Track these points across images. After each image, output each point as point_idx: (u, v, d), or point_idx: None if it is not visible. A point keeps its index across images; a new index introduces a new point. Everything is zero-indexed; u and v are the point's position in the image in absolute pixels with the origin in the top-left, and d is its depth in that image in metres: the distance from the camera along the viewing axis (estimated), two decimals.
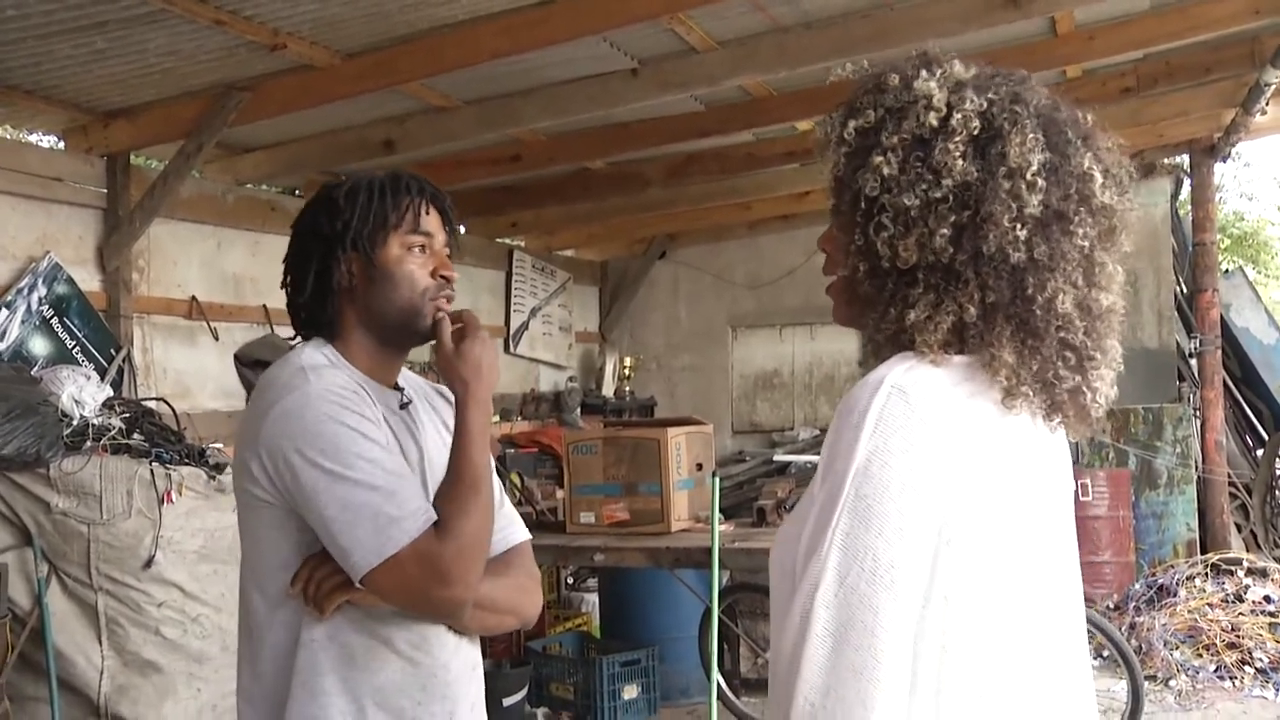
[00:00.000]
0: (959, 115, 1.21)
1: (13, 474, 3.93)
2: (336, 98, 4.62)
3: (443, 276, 1.77)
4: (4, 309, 4.46)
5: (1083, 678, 1.28)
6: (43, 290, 4.60)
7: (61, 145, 5.10)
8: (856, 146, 1.25)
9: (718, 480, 4.40)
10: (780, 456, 7.48)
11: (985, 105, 1.21)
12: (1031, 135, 1.20)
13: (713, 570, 4.25)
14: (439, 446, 1.78)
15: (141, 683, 3.94)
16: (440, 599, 1.59)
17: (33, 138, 5.19)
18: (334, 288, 1.75)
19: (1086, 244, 1.21)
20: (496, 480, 1.85)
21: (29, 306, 4.54)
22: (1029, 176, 1.19)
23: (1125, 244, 1.27)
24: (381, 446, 1.62)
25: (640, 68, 4.97)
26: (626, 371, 8.85)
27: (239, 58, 4.33)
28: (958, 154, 1.19)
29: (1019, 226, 1.18)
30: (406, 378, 1.86)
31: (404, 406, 1.79)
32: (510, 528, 1.85)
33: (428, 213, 1.78)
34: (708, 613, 4.62)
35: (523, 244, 8.48)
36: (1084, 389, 1.22)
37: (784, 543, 1.24)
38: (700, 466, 4.80)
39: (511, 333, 8.11)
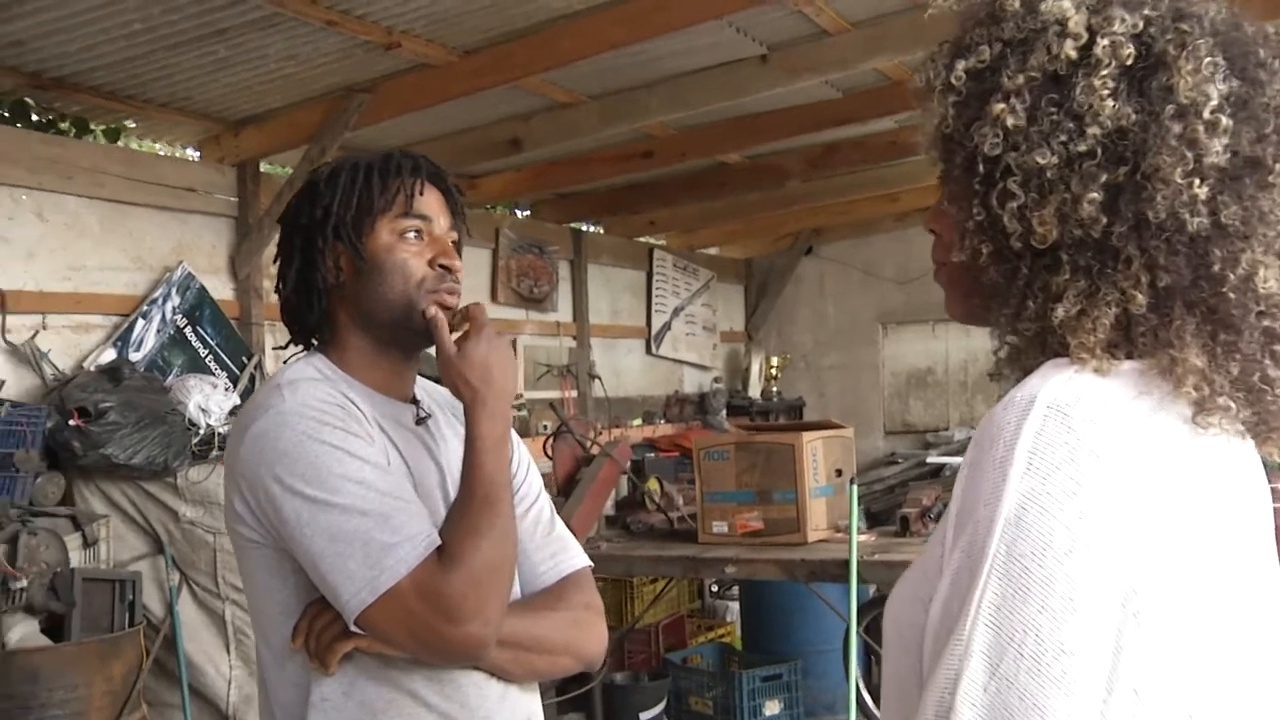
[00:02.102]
0: (1105, 41, 0.93)
1: (144, 483, 4.01)
2: (455, 95, 4.55)
3: (442, 266, 1.53)
4: (140, 319, 4.54)
5: None
6: (176, 300, 4.66)
7: (197, 156, 5.18)
8: (969, 93, 0.99)
9: (855, 488, 4.14)
10: (935, 458, 7.21)
11: (1140, 25, 0.94)
12: (1208, 60, 0.92)
13: (850, 584, 3.99)
14: None
15: None
16: (452, 638, 1.35)
17: (170, 150, 5.27)
18: (320, 284, 1.53)
19: None
20: (549, 501, 1.68)
21: (164, 316, 4.61)
22: (1208, 114, 0.91)
23: None
24: (373, 466, 1.40)
25: (769, 54, 4.75)
26: (773, 371, 8.66)
27: (356, 59, 4.31)
28: (1106, 92, 0.92)
29: (1197, 182, 0.90)
30: (427, 389, 1.66)
31: (421, 421, 1.59)
32: (564, 554, 1.64)
33: (422, 193, 1.54)
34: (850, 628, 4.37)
35: (664, 242, 8.36)
36: None
37: (904, 604, 0.99)
38: (840, 473, 4.54)
39: (653, 334, 8.01)
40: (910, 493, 4.68)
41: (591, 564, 1.67)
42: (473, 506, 1.41)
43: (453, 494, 1.51)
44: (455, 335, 1.51)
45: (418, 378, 1.65)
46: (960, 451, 7.48)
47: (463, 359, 1.47)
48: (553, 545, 1.63)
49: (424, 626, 1.34)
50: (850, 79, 5.16)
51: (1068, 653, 0.83)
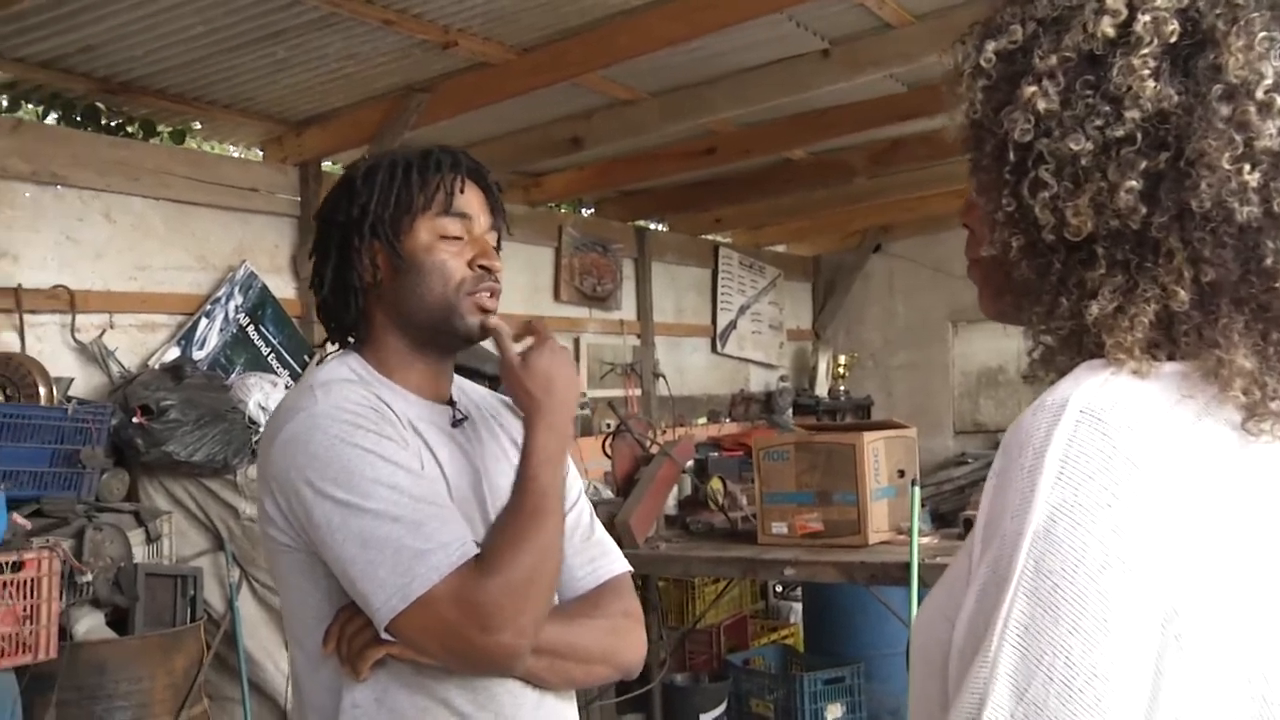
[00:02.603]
0: (1146, 18, 0.87)
1: (205, 480, 4.06)
2: (513, 94, 4.55)
3: (482, 267, 1.50)
4: (204, 318, 4.60)
5: None
6: (239, 299, 4.72)
7: (260, 156, 5.25)
8: (999, 76, 0.93)
9: (917, 490, 4.06)
10: None
11: (1186, 0, 0.88)
12: (1263, 35, 0.85)
13: (910, 587, 3.91)
14: (505, 469, 1.53)
15: None
16: (484, 648, 1.31)
17: (235, 151, 5.36)
18: (356, 284, 1.51)
19: None
20: (588, 505, 1.65)
21: (226, 315, 4.67)
22: (1261, 94, 0.85)
23: None
24: (406, 471, 1.37)
25: (831, 48, 4.68)
26: (841, 370, 8.58)
27: (414, 58, 4.33)
28: (1147, 72, 0.86)
29: (1247, 168, 0.84)
30: (465, 390, 1.63)
31: (458, 424, 1.55)
32: (603, 559, 1.60)
33: (463, 191, 1.52)
34: None
35: (729, 240, 8.30)
36: None
37: (930, 620, 0.93)
38: (902, 473, 4.45)
39: (718, 332, 7.97)
40: (974, 494, 4.57)
41: (631, 569, 1.63)
42: (520, 517, 1.38)
43: (490, 498, 1.49)
44: (519, 347, 1.50)
45: (455, 378, 1.63)
46: None
47: (526, 369, 1.46)
48: (591, 550, 1.59)
49: (455, 635, 1.31)
50: (915, 72, 5.07)
51: (1101, 678, 0.77)
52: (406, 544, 1.31)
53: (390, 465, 1.36)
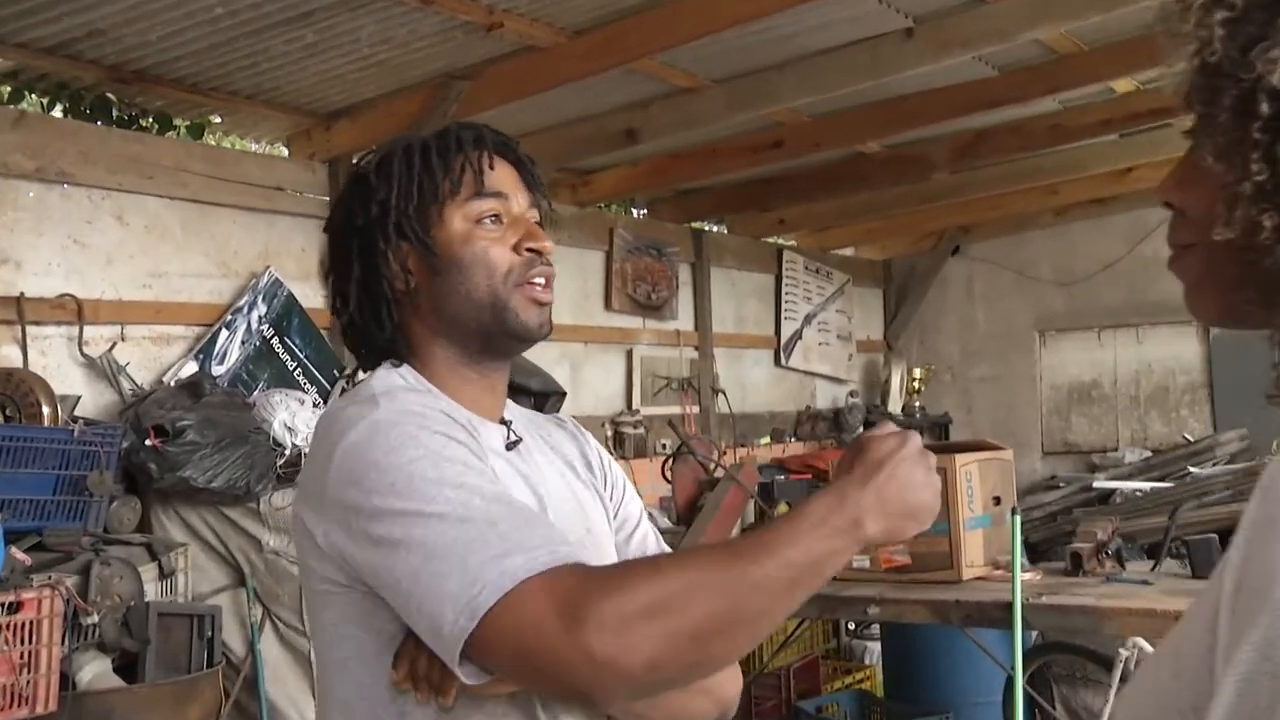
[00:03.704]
0: None
1: (225, 508, 3.97)
2: (564, 80, 4.45)
3: (530, 250, 1.39)
4: (224, 330, 4.52)
5: None
6: (263, 308, 4.63)
7: (285, 152, 5.18)
8: (1250, 3, 0.77)
9: (1019, 519, 3.85)
10: (1102, 483, 6.86)
11: None
12: None
13: (1014, 630, 3.70)
14: (565, 493, 1.42)
15: None
16: (574, 653, 1.06)
17: (257, 147, 5.29)
18: (388, 294, 1.40)
19: None
20: (653, 529, 1.56)
21: (249, 326, 4.59)
22: None
23: None
24: (478, 471, 1.23)
25: (915, 26, 4.54)
26: (916, 384, 8.51)
27: (456, 42, 4.23)
28: None
29: None
30: (510, 409, 1.51)
31: (512, 446, 1.44)
32: None
33: (492, 167, 1.40)
34: (1012, 678, 4.08)
35: (794, 243, 8.24)
36: None
37: (1159, 714, 0.78)
38: (998, 500, 4.27)
39: (783, 343, 7.90)
40: (1081, 525, 4.37)
41: None
42: (719, 555, 1.15)
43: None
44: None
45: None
46: (1131, 475, 7.09)
47: (884, 440, 1.24)
48: None
49: (535, 634, 1.08)
50: (1008, 53, 4.93)
51: None
52: (477, 548, 1.13)
53: (458, 465, 1.22)
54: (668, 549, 1.52)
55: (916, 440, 1.24)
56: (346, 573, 1.26)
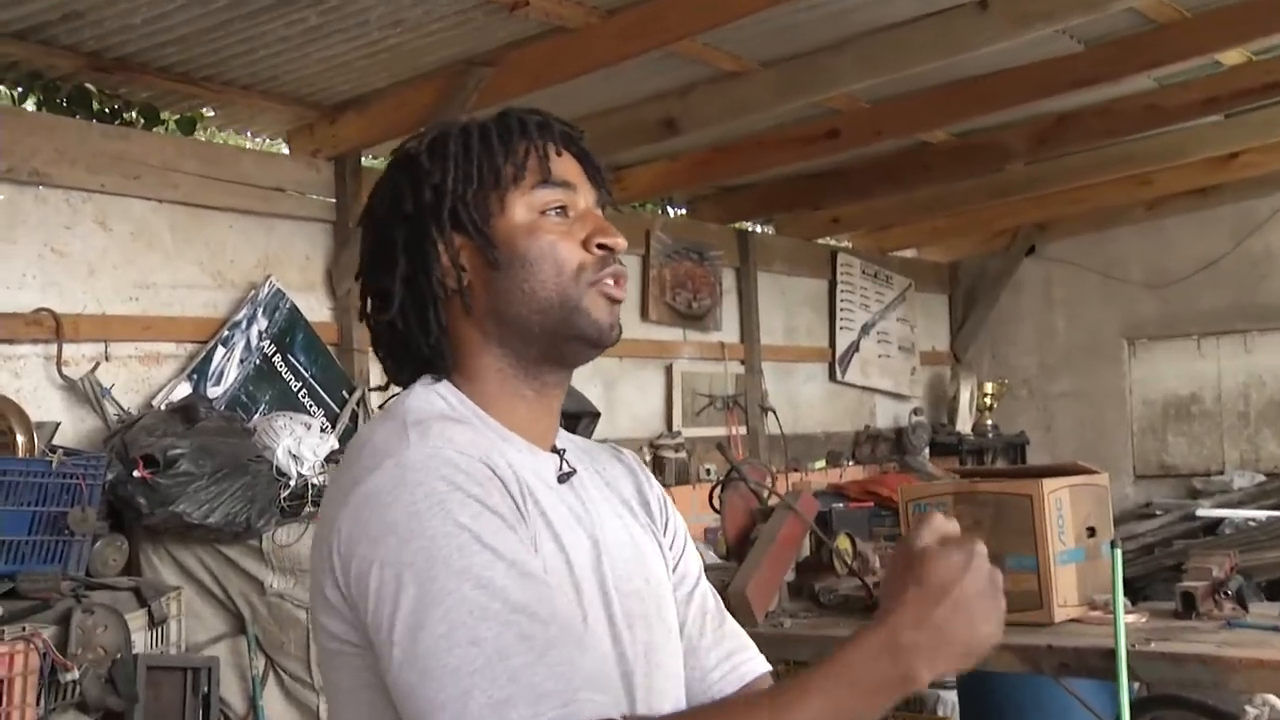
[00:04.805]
0: None
1: (223, 546, 3.98)
2: (595, 66, 4.44)
3: (601, 246, 1.37)
4: (220, 347, 4.52)
5: None
6: (263, 323, 4.64)
7: (285, 149, 5.20)
8: None
9: (1119, 553, 3.74)
10: (1207, 511, 6.74)
11: None
12: None
13: (1119, 681, 3.59)
14: (622, 537, 1.38)
15: None
16: None
17: (256, 143, 5.32)
18: (438, 293, 1.35)
19: None
20: (710, 589, 1.53)
21: (248, 343, 4.60)
22: None
23: None
24: (509, 563, 1.17)
25: None
26: (987, 400, 8.51)
27: (475, 23, 4.22)
28: None
29: None
30: (562, 436, 1.47)
31: (565, 479, 1.39)
32: (740, 654, 1.48)
33: (559, 154, 1.39)
34: None
35: (849, 244, 8.26)
36: None
37: None
38: (1093, 532, 4.18)
39: (838, 356, 7.93)
40: (1191, 559, 4.25)
41: (770, 668, 1.51)
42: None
43: (610, 573, 1.34)
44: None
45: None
46: (1241, 503, 6.96)
47: (947, 559, 1.17)
48: (727, 643, 1.48)
49: None
50: (1096, 25, 4.86)
51: None
52: (479, 684, 1.09)
53: (487, 553, 1.16)
54: (727, 614, 1.52)
55: (983, 555, 1.17)
56: (356, 632, 1.22)
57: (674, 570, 1.49)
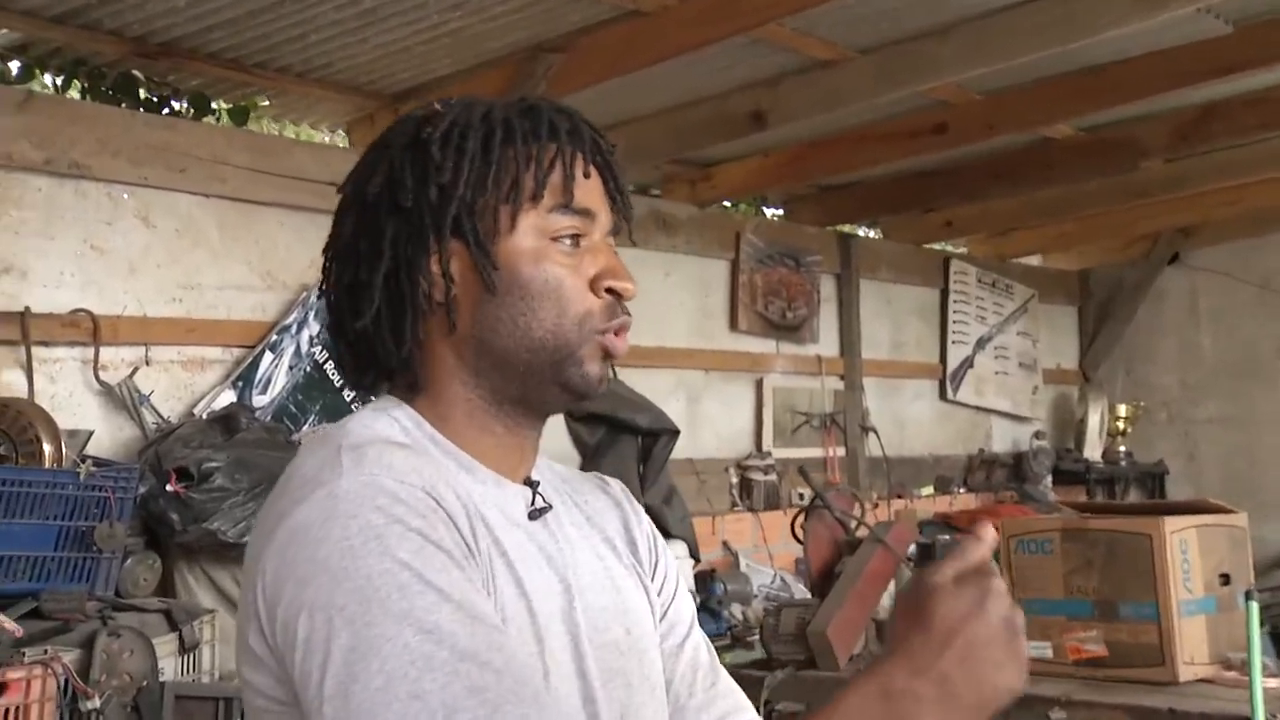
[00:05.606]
0: None
1: None
2: (675, 53, 4.43)
3: (610, 291, 1.34)
4: (268, 352, 4.56)
5: None
6: (315, 327, 4.65)
7: (344, 140, 5.26)
8: None
9: (1256, 605, 3.66)
10: None
11: None
12: None
13: None
14: (600, 581, 1.35)
15: None
16: None
17: (313, 135, 5.38)
18: (419, 303, 1.31)
19: None
20: (705, 640, 1.51)
21: (298, 348, 4.63)
22: None
23: None
24: (455, 605, 1.12)
25: None
26: (1120, 425, 8.43)
27: (544, 6, 4.23)
28: None
29: None
30: (540, 468, 1.44)
31: (536, 516, 1.35)
32: (736, 715, 1.46)
33: (586, 175, 1.34)
34: None
35: (964, 250, 8.27)
36: None
37: None
38: (1226, 579, 4.13)
39: (950, 373, 7.91)
40: None
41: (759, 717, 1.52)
42: None
43: (584, 623, 1.31)
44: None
45: None
46: None
47: (956, 595, 1.15)
48: (720, 703, 1.46)
49: None
50: (1247, 3, 4.74)
51: None
52: None
53: (431, 594, 1.11)
54: (721, 669, 1.49)
55: (1000, 589, 1.14)
56: (283, 688, 1.17)
57: (662, 619, 1.45)
